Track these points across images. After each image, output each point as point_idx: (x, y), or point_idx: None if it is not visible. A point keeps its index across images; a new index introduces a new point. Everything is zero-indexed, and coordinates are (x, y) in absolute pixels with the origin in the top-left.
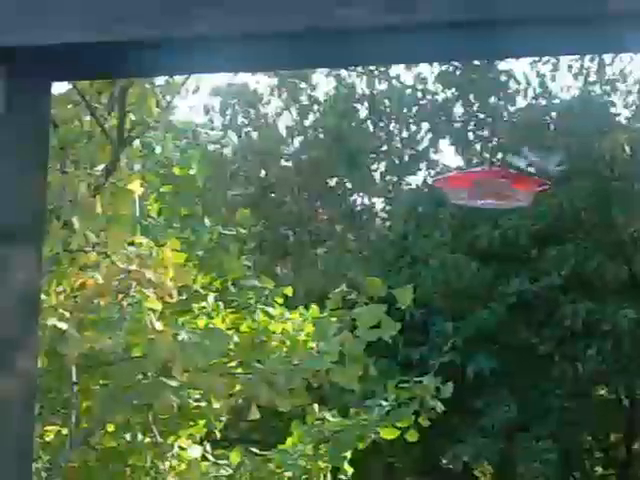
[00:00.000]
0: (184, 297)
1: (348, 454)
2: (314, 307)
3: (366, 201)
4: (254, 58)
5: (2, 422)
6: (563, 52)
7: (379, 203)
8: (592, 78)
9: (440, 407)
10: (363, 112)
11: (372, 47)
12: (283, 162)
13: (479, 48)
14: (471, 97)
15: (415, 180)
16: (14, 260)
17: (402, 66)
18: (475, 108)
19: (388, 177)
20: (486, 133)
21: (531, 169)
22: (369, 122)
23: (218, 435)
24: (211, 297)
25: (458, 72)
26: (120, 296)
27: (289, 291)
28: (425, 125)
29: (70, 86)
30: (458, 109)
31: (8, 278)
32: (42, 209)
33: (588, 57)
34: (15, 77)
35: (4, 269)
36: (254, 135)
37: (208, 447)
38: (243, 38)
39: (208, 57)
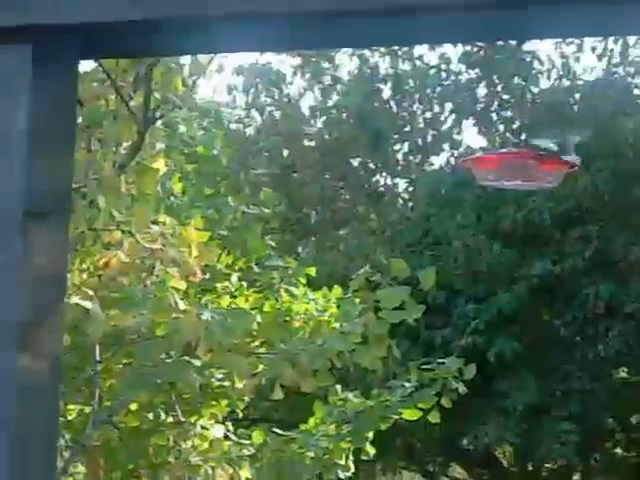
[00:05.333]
0: (207, 276)
1: (370, 435)
2: (337, 288)
3: (389, 182)
4: (279, 38)
5: (27, 402)
6: (587, 34)
7: (402, 184)
8: (616, 60)
9: (463, 389)
10: (386, 92)
11: (395, 28)
12: (306, 142)
13: (503, 29)
14: (495, 78)
15: (438, 161)
16: (41, 239)
17: (426, 46)
18: (499, 89)
19: (411, 158)
20: (509, 114)
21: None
22: (392, 102)
23: (240, 415)
24: (234, 277)
25: (482, 52)
26: (144, 275)
27: (312, 271)
28: (448, 105)
29: (96, 64)
30: (482, 90)
31: (35, 257)
32: (68, 188)
33: (612, 38)
34: (41, 55)
35: (31, 248)
36: (277, 115)
37: (230, 426)
38: (269, 17)
39: (234, 36)
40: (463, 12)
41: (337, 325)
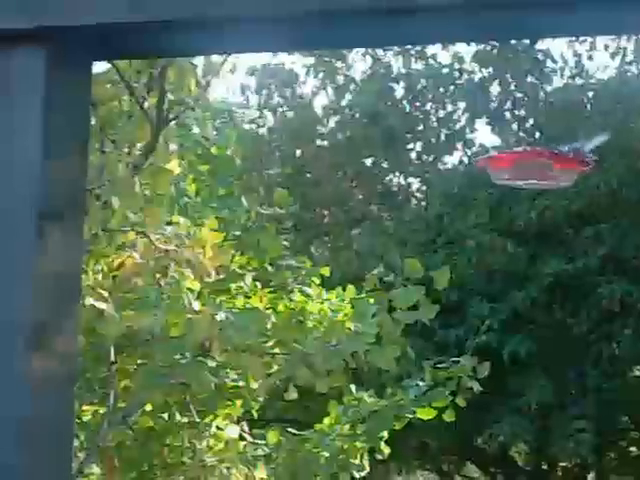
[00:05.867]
0: (221, 277)
1: (385, 434)
2: (351, 288)
3: (402, 181)
4: (291, 38)
5: (42, 402)
6: (600, 32)
7: (415, 183)
8: (629, 58)
9: (477, 387)
10: (399, 91)
11: (406, 27)
12: (319, 142)
13: (515, 28)
14: (508, 76)
15: (451, 160)
16: (55, 240)
17: (439, 45)
18: (512, 87)
19: (424, 157)
20: (523, 113)
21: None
22: (405, 102)
23: (255, 415)
24: (248, 277)
25: (495, 51)
26: (158, 276)
27: (326, 271)
28: (461, 104)
29: (110, 66)
30: (495, 88)
31: (49, 258)
32: (83, 189)
33: (625, 36)
34: (55, 57)
35: (45, 249)
36: (290, 115)
37: (245, 427)
38: (278, 18)
39: (248, 37)
40: (464, 12)
41: (351, 325)
